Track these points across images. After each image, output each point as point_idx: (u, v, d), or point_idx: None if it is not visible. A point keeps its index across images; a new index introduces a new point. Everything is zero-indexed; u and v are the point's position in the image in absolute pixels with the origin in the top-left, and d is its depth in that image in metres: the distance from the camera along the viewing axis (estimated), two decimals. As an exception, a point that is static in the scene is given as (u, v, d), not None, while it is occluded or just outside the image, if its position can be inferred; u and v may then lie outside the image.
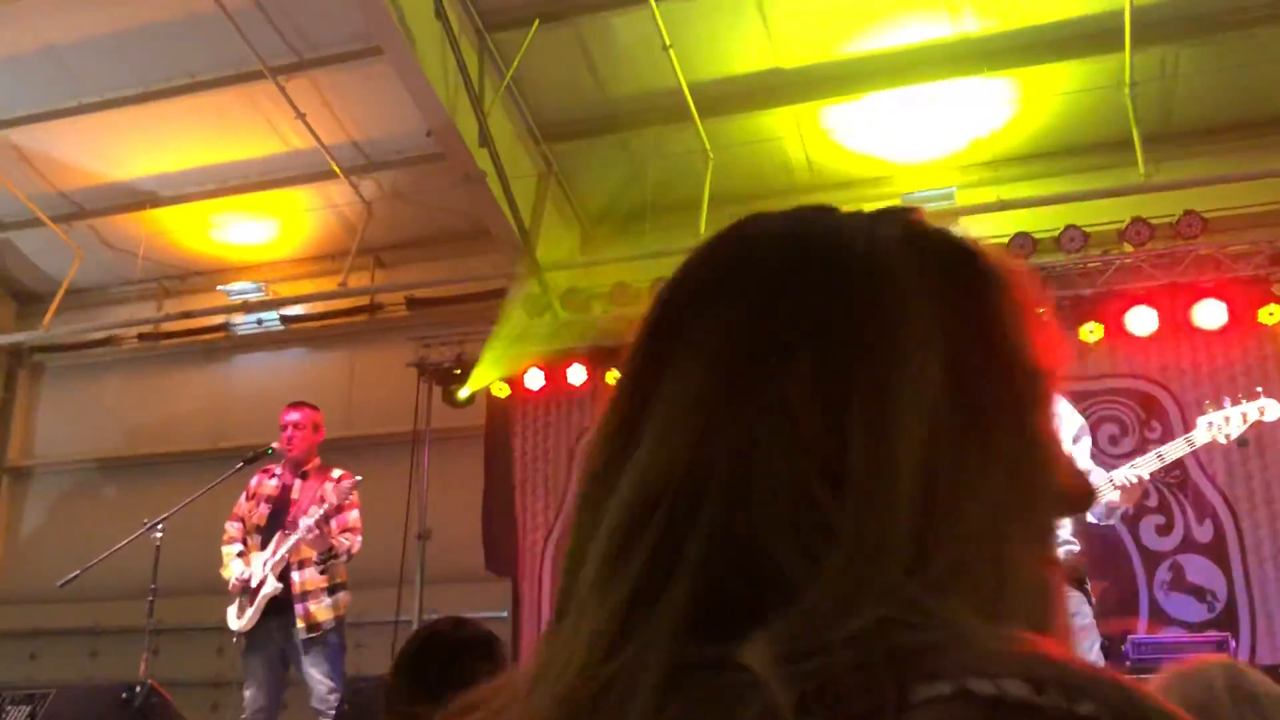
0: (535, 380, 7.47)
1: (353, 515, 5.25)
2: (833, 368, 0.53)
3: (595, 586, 0.53)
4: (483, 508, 7.63)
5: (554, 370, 7.45)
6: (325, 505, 5.17)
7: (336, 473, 5.45)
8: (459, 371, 7.51)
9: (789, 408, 0.52)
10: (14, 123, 8.15)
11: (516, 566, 7.51)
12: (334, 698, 4.95)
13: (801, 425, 0.51)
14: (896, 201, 7.88)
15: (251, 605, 5.14)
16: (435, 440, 7.70)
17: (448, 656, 2.13)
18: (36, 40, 7.50)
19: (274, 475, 5.47)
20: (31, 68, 7.69)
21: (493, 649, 2.17)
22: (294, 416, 5.44)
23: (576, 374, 7.41)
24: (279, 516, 5.32)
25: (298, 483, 5.39)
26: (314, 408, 5.57)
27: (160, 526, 5.33)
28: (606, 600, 0.52)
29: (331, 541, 5.17)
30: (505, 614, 7.45)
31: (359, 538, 5.33)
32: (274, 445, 5.52)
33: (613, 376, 7.39)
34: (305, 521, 5.08)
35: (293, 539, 5.13)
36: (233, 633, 5.29)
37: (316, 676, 5.02)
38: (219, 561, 5.50)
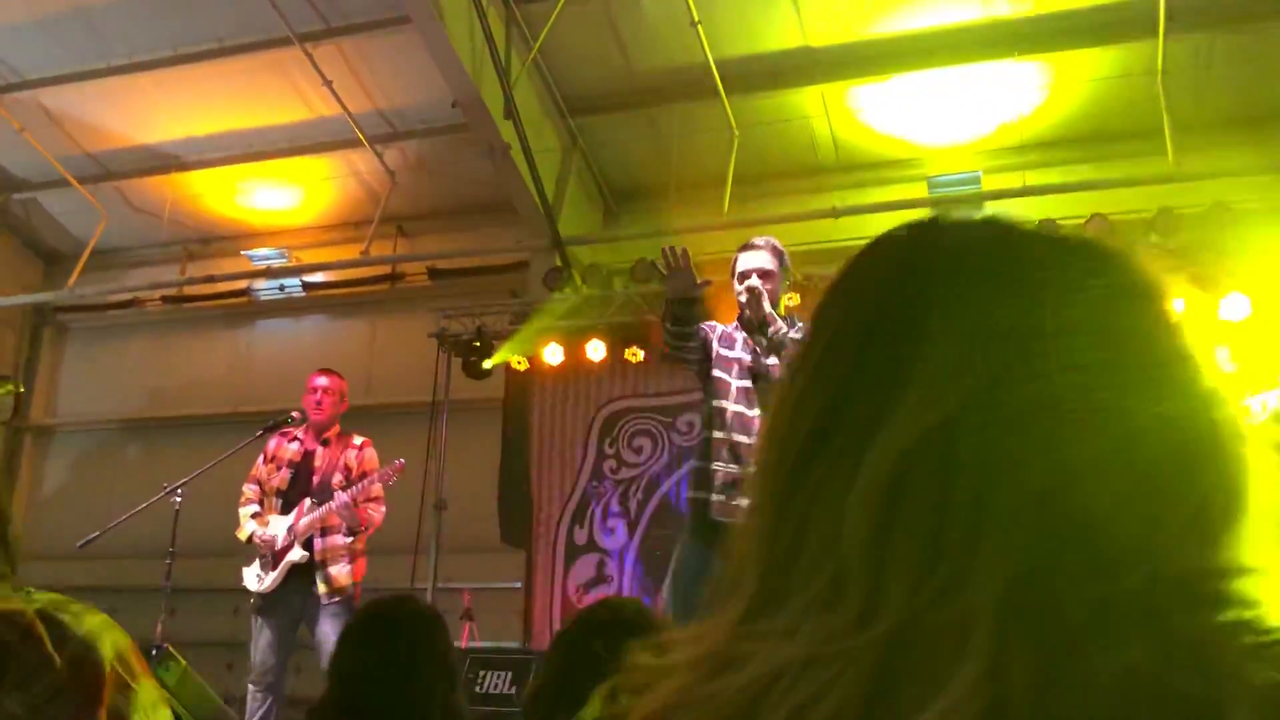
0: (554, 355, 7.48)
1: (376, 486, 5.29)
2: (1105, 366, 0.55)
3: (863, 560, 0.54)
4: (499, 479, 7.67)
5: (573, 345, 7.46)
6: (364, 479, 5.21)
7: (358, 440, 5.48)
8: (479, 344, 7.53)
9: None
10: (43, 83, 8.19)
11: (531, 538, 7.56)
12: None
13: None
14: (922, 184, 7.87)
15: (275, 569, 5.19)
16: (454, 411, 7.74)
17: (390, 631, 2.21)
18: (69, 2, 7.52)
19: (294, 439, 5.49)
20: (62, 28, 7.72)
21: (434, 627, 2.25)
22: (324, 381, 5.45)
23: (595, 350, 7.41)
24: (301, 481, 5.36)
25: (319, 449, 5.42)
26: (341, 376, 5.60)
27: (179, 491, 5.36)
28: (886, 565, 0.53)
29: (365, 514, 5.22)
30: (519, 585, 7.51)
31: (382, 508, 5.38)
32: (294, 413, 5.54)
33: (633, 353, 7.40)
34: (342, 496, 5.12)
35: (324, 508, 5.17)
36: (249, 593, 5.34)
37: (333, 638, 5.07)
38: (235, 525, 5.55)
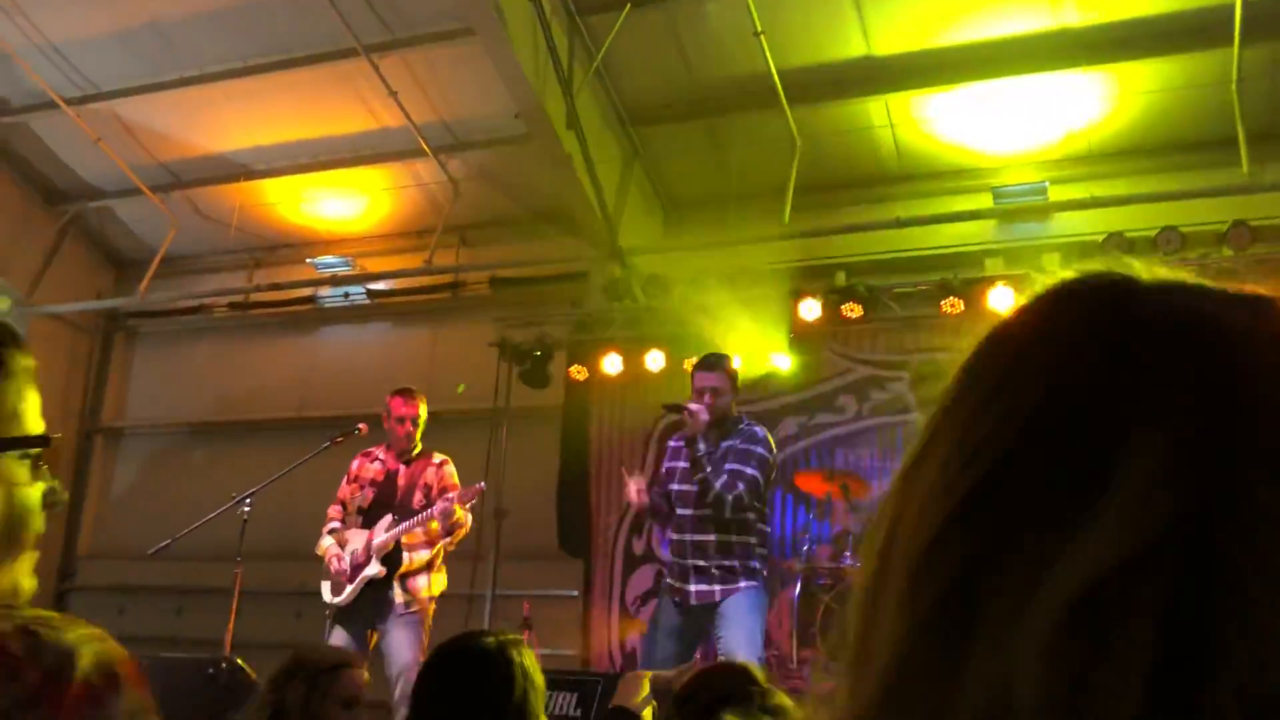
0: (614, 365, 7.49)
1: (454, 493, 5.36)
2: None
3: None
4: (558, 488, 7.70)
5: (632, 356, 7.47)
6: (443, 495, 5.28)
7: (438, 458, 5.54)
8: (539, 353, 7.56)
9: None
10: (118, 94, 8.40)
11: (589, 548, 7.57)
12: (414, 669, 5.06)
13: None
14: (987, 194, 7.76)
15: (351, 583, 5.28)
16: (513, 419, 7.79)
17: (467, 678, 2.18)
18: (144, 15, 7.71)
19: (376, 459, 5.57)
20: (137, 42, 7.92)
21: (510, 670, 2.21)
22: (408, 411, 5.51)
23: (655, 360, 7.41)
24: (383, 499, 5.44)
25: (402, 468, 5.51)
26: (424, 400, 5.65)
27: (248, 501, 5.46)
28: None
29: (459, 519, 5.29)
30: (575, 593, 7.52)
31: (469, 514, 5.44)
32: (360, 425, 5.62)
33: (691, 363, 7.37)
34: (441, 504, 5.20)
35: (406, 524, 5.24)
36: (325, 603, 5.42)
37: (403, 647, 5.16)
38: (300, 529, 5.64)
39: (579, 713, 3.41)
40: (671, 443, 5.10)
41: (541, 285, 8.61)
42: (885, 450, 7.14)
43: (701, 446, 4.72)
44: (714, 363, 4.96)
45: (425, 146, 8.05)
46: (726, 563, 4.71)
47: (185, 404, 9.90)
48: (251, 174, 8.97)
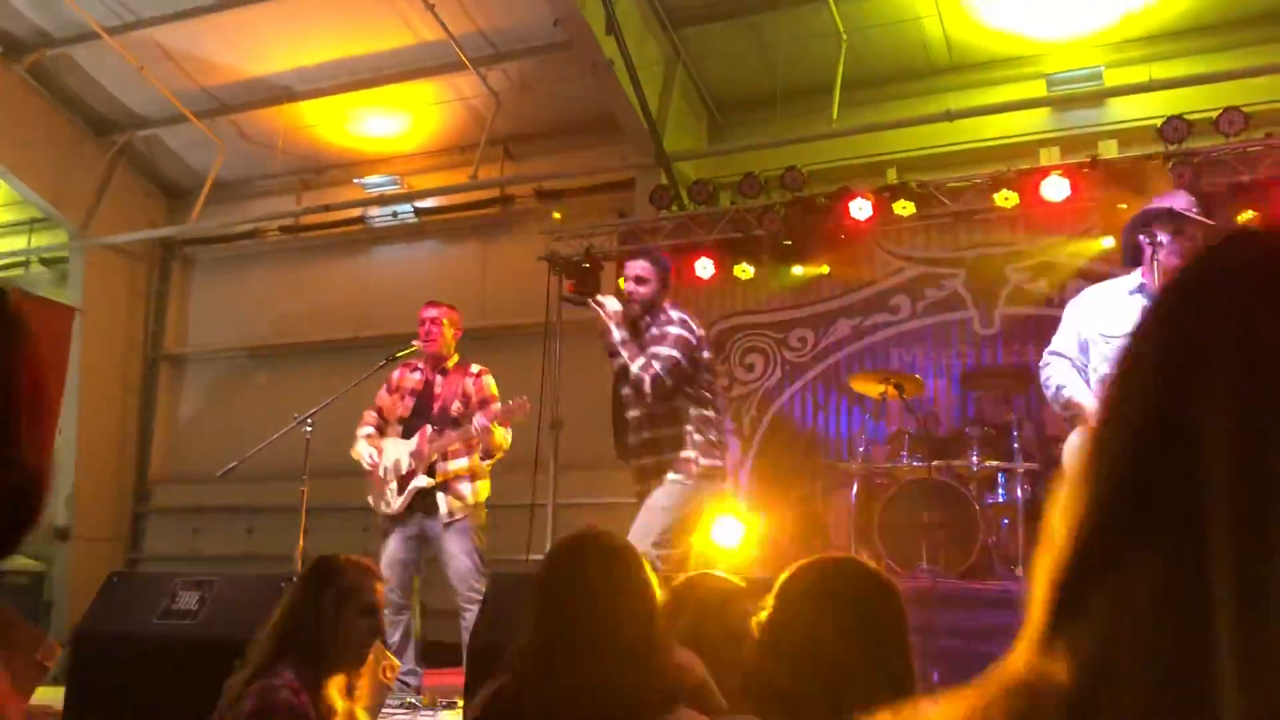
0: (663, 272, 7.45)
1: (497, 406, 5.41)
2: None
3: None
4: (612, 398, 7.74)
5: (681, 263, 7.42)
6: (483, 405, 5.33)
7: (475, 368, 5.59)
8: (588, 265, 7.55)
9: None
10: (158, 21, 8.38)
11: (646, 455, 7.63)
12: (475, 577, 5.17)
13: None
14: (1040, 82, 7.54)
15: (401, 493, 5.37)
16: (566, 331, 7.81)
17: (582, 565, 2.07)
18: (176, -61, 7.65)
19: (416, 369, 5.64)
20: (172, -34, 7.87)
21: (627, 554, 2.10)
22: (431, 313, 5.58)
23: (704, 267, 7.37)
24: (422, 409, 5.51)
25: (439, 377, 5.55)
26: (451, 306, 5.69)
27: (310, 421, 5.56)
28: None
29: (497, 440, 5.33)
30: (634, 500, 7.61)
31: (509, 432, 5.48)
32: (415, 341, 5.67)
33: (742, 270, 7.33)
34: (480, 420, 5.26)
35: (448, 435, 5.31)
36: (378, 515, 5.53)
37: (459, 554, 5.24)
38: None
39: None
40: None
41: (588, 196, 8.56)
42: (939, 349, 7.09)
43: (616, 334, 4.64)
44: (641, 251, 4.92)
45: (464, 58, 7.97)
46: (661, 458, 4.61)
47: (245, 328, 10.05)
48: (294, 95, 8.96)
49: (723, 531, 5.47)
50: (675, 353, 4.56)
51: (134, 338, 10.24)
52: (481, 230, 9.26)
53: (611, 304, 4.72)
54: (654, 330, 4.70)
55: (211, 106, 9.19)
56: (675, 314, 4.76)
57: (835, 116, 7.31)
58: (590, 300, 4.79)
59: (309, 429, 5.50)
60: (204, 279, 10.56)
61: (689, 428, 4.62)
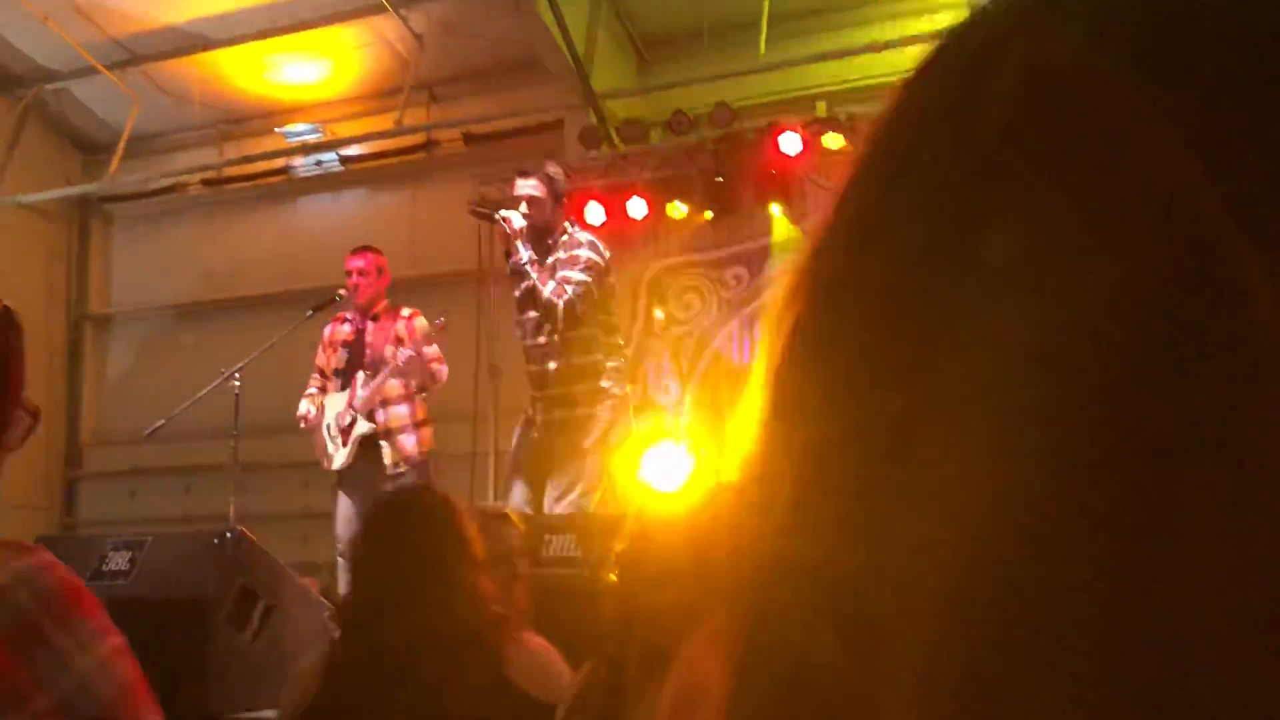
0: (595, 215, 7.40)
1: (432, 349, 5.37)
2: None
3: None
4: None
5: (614, 204, 7.37)
6: (413, 343, 5.29)
7: (406, 311, 5.53)
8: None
9: None
10: (60, -31, 8.05)
11: (586, 398, 7.63)
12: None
13: None
14: (964, 8, 7.51)
15: (346, 444, 5.32)
16: (501, 277, 7.72)
17: (408, 523, 2.15)
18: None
19: (345, 321, 5.58)
20: (71, -90, 7.54)
21: (455, 514, 2.18)
22: (358, 263, 5.50)
23: (637, 207, 7.32)
24: (355, 359, 5.46)
25: (369, 325, 5.49)
26: (377, 252, 5.62)
27: (237, 375, 5.47)
28: None
29: (431, 368, 5.31)
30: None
31: (444, 366, 5.46)
32: (340, 291, 5.59)
33: (675, 208, 7.29)
34: (405, 352, 5.19)
35: (383, 374, 5.25)
36: (328, 471, 5.49)
37: None
38: (297, 401, 5.68)
39: (578, 553, 3.51)
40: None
41: (516, 139, 8.44)
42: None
43: (524, 253, 4.47)
44: (528, 169, 4.65)
45: (384, 0, 7.76)
46: (573, 388, 4.47)
47: (171, 286, 9.83)
48: (209, 44, 8.66)
49: (663, 470, 5.41)
50: (587, 278, 4.40)
51: (55, 299, 9.96)
52: (409, 177, 9.10)
53: (518, 220, 4.51)
54: (561, 253, 4.51)
55: (123, 58, 8.86)
56: (583, 235, 4.60)
57: (763, 50, 7.26)
58: (497, 215, 4.57)
59: (237, 383, 5.42)
60: (125, 236, 10.29)
61: (600, 356, 4.49)
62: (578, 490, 4.34)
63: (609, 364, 4.53)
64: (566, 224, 4.69)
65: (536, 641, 2.10)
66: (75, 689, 0.97)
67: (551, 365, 4.52)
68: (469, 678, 1.95)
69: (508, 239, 4.52)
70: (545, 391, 4.58)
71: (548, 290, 4.38)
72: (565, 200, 4.75)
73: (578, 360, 4.48)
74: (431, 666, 1.95)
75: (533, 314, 4.55)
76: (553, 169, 4.66)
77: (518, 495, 4.54)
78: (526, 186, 4.56)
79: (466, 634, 1.99)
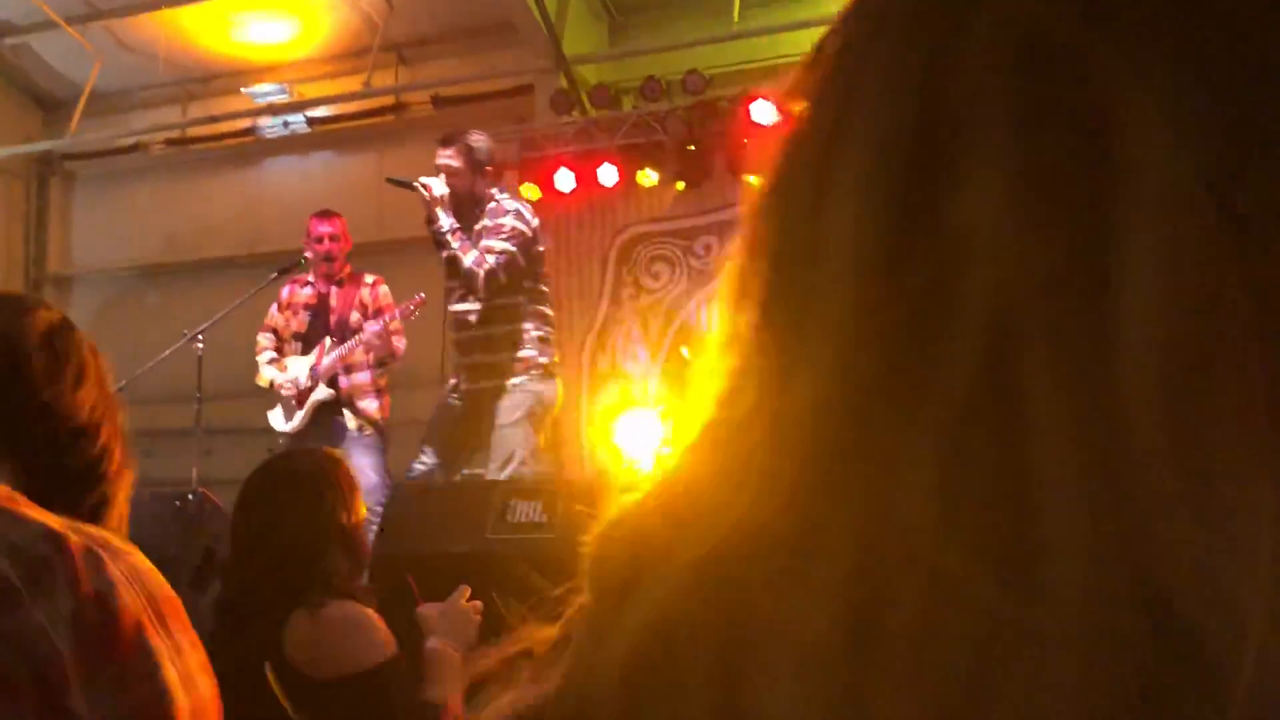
0: (565, 181, 7.35)
1: (396, 320, 5.34)
2: None
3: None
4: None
5: (584, 170, 7.32)
6: (385, 316, 5.26)
7: (370, 278, 5.49)
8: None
9: None
10: (18, -81, 7.86)
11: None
12: (382, 493, 5.14)
13: None
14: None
15: (301, 408, 5.27)
16: (468, 242, 7.69)
17: (293, 482, 2.26)
18: None
19: (306, 284, 5.52)
20: None
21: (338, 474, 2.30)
22: (327, 228, 5.44)
23: (608, 174, 7.28)
24: (319, 323, 5.41)
25: (334, 290, 5.44)
26: (339, 215, 5.57)
27: (200, 337, 5.41)
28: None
29: (392, 345, 5.29)
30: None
31: (404, 340, 5.44)
32: (307, 254, 5.53)
33: (645, 176, 7.25)
34: (373, 326, 5.16)
35: (349, 344, 5.21)
36: (280, 434, 5.44)
37: (367, 469, 5.21)
38: (259, 365, 5.62)
39: (544, 518, 3.50)
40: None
41: (486, 102, 8.35)
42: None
43: (445, 222, 4.37)
44: (448, 138, 4.58)
45: (353, -41, 7.64)
46: (497, 356, 4.40)
47: (133, 247, 9.69)
48: (174, 0, 8.50)
49: (637, 436, 5.34)
50: (511, 246, 4.32)
51: (14, 258, 9.80)
52: (377, 140, 8.99)
53: (439, 187, 4.42)
54: (487, 220, 4.44)
55: (83, 11, 8.67)
56: (509, 203, 4.51)
57: (736, 18, 7.21)
58: (415, 183, 4.45)
59: (200, 346, 5.36)
60: (87, 196, 10.12)
61: (526, 324, 4.42)
62: (517, 459, 4.30)
63: (535, 333, 4.47)
64: (494, 192, 4.59)
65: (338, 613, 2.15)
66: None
67: (474, 334, 4.46)
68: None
69: (428, 205, 4.40)
70: (469, 359, 4.52)
71: (469, 259, 4.31)
72: (491, 169, 4.64)
73: (501, 328, 4.42)
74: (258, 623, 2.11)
75: (454, 283, 4.48)
76: (475, 138, 4.56)
77: (427, 460, 4.50)
78: (444, 156, 4.50)
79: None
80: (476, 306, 4.45)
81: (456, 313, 4.56)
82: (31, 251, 9.93)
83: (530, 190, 7.49)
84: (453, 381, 4.68)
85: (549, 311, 4.58)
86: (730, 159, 7.19)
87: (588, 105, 7.47)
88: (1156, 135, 0.29)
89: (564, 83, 7.49)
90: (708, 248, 7.42)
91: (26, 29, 8.97)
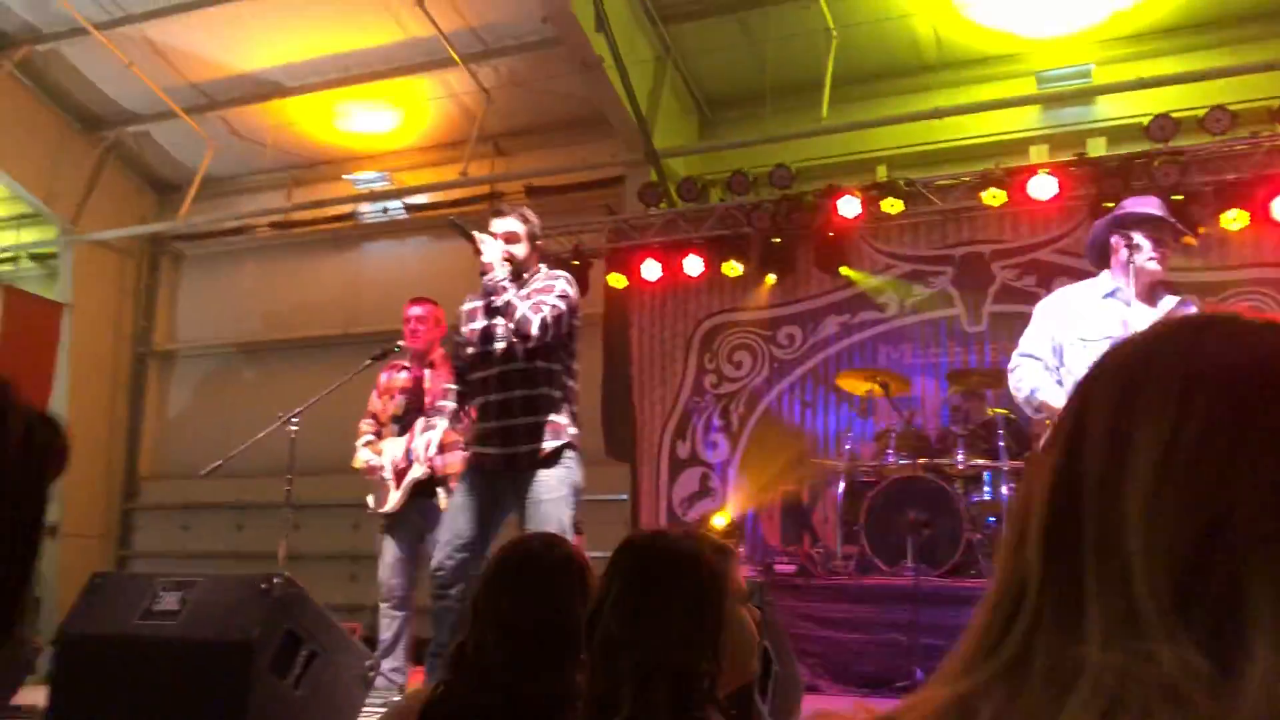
0: (652, 271, 7.47)
1: None
2: None
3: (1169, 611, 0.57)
4: (601, 395, 7.75)
5: (671, 260, 7.44)
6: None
7: None
8: (576, 262, 7.54)
9: None
10: (147, 16, 8.36)
11: (635, 452, 7.65)
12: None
13: None
14: (1030, 79, 7.55)
15: (397, 488, 5.37)
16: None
17: (544, 576, 2.09)
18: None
19: (402, 369, 5.66)
20: (160, -38, 7.83)
21: (584, 576, 2.10)
22: (416, 311, 5.59)
23: (693, 264, 7.37)
24: (413, 405, 5.53)
25: (427, 373, 5.57)
26: (434, 303, 5.70)
27: (295, 418, 5.56)
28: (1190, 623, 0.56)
29: None
30: (625, 497, 7.63)
31: None
32: (400, 343, 5.68)
33: (730, 268, 7.34)
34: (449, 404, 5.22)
35: (442, 424, 5.26)
36: (377, 514, 5.51)
37: None
38: (352, 443, 5.74)
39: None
40: (466, 306, 4.51)
41: (577, 193, 8.56)
42: (927, 346, 7.10)
43: (500, 271, 4.20)
44: (507, 210, 4.47)
45: (454, 55, 7.95)
46: (538, 419, 4.19)
47: (234, 324, 10.04)
48: (284, 91, 8.93)
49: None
50: (562, 305, 4.20)
51: (123, 333, 10.21)
52: (471, 227, 9.21)
53: (492, 249, 4.27)
54: (536, 284, 4.32)
55: (200, 102, 9.16)
56: (558, 272, 4.44)
57: (825, 114, 7.31)
58: (475, 235, 4.31)
59: (294, 426, 5.50)
60: (193, 275, 10.54)
61: (559, 394, 4.27)
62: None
63: (566, 404, 4.28)
64: (541, 265, 4.57)
65: None
66: None
67: (517, 393, 4.26)
68: None
69: (486, 256, 4.26)
70: (501, 423, 4.28)
71: (524, 306, 4.15)
72: (540, 245, 4.61)
73: (542, 391, 4.24)
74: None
75: (500, 345, 4.26)
76: (530, 213, 4.51)
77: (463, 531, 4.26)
78: (506, 224, 4.37)
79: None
80: (520, 367, 4.24)
81: (485, 378, 4.28)
82: (139, 327, 10.34)
83: (617, 279, 7.63)
84: (476, 450, 4.41)
85: (575, 387, 4.46)
86: (815, 252, 7.24)
87: (675, 197, 7.60)
88: None
89: (654, 175, 7.65)
90: (790, 338, 7.44)
91: (148, 118, 9.49)
